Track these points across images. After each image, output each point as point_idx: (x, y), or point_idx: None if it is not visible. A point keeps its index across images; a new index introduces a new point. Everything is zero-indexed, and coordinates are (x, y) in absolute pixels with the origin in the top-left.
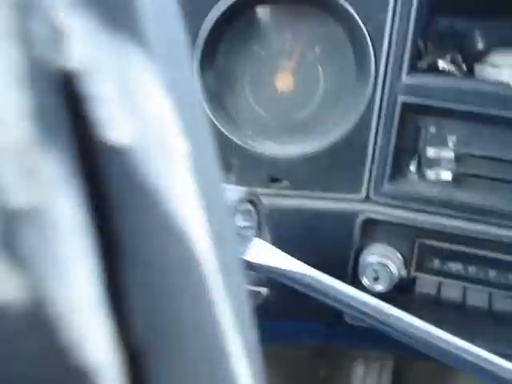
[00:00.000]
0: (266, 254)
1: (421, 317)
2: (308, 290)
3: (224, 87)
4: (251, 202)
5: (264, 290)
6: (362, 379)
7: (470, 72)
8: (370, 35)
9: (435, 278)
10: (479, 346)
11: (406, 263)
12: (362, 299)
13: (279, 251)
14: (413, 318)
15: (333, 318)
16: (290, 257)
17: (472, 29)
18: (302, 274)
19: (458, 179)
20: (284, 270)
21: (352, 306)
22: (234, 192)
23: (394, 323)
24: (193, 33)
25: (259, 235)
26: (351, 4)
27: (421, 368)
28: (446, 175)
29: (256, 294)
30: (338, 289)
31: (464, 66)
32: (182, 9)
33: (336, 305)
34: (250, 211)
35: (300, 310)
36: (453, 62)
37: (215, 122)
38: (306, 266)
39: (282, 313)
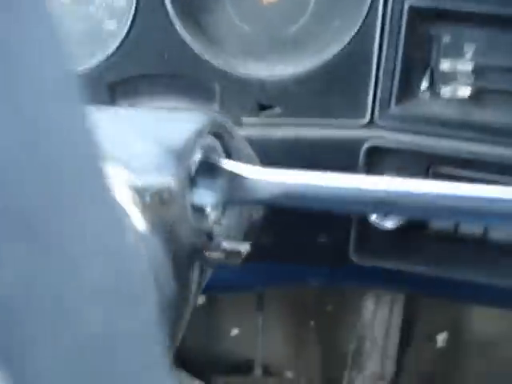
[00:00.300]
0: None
1: (437, 255)
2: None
3: (199, 1)
4: (216, 135)
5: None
6: (372, 313)
7: None
8: None
9: None
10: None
11: None
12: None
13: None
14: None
15: (338, 258)
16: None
17: None
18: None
19: (477, 96)
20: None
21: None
22: (189, 121)
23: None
24: None
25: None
26: None
27: (432, 302)
28: (464, 91)
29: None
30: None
31: None
32: None
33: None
34: (213, 148)
35: (301, 252)
36: None
37: (190, 45)
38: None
39: (281, 256)
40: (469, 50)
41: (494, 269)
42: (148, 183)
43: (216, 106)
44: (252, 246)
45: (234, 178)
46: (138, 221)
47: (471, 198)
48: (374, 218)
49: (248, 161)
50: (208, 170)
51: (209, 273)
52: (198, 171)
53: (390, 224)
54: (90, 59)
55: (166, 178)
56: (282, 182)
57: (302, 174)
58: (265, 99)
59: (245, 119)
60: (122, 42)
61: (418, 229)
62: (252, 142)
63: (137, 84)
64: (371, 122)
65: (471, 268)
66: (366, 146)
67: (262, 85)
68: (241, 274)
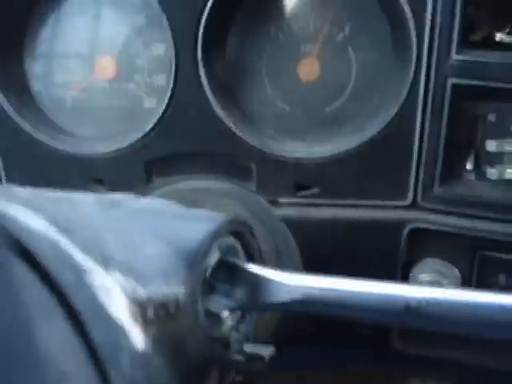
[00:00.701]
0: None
1: (485, 345)
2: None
3: (237, 79)
4: (236, 234)
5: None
6: None
7: None
8: (409, 3)
9: None
10: None
11: (465, 281)
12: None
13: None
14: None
15: (380, 344)
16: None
17: None
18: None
19: None
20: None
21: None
22: (207, 220)
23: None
24: (195, 12)
25: None
26: None
27: None
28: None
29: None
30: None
31: None
32: None
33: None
34: (233, 248)
35: (342, 338)
36: None
37: (226, 123)
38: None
39: (321, 341)
40: None
41: None
42: (152, 294)
43: (253, 185)
44: (292, 329)
45: (252, 281)
46: (138, 339)
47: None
48: None
49: (272, 260)
50: (225, 273)
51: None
52: (213, 274)
53: None
54: (128, 137)
55: (173, 288)
56: (303, 285)
57: (324, 278)
58: (302, 179)
59: (281, 199)
60: (160, 119)
61: None
62: (289, 222)
63: (173, 162)
64: (413, 203)
65: None
66: (408, 228)
67: (299, 165)
68: (280, 355)
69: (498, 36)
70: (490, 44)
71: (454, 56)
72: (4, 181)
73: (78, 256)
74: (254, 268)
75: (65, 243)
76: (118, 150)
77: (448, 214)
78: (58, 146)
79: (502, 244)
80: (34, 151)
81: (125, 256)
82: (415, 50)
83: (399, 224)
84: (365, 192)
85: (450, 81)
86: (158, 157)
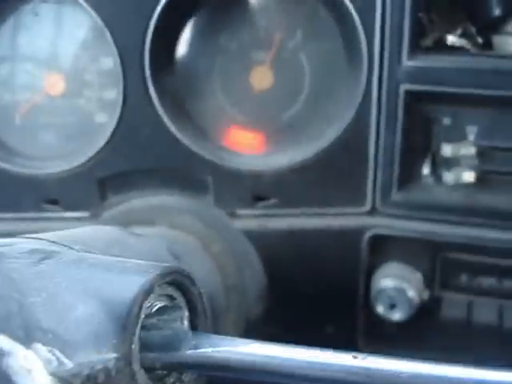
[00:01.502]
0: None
1: (449, 345)
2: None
3: (188, 91)
4: (176, 283)
5: None
6: None
7: (487, 46)
8: (358, 9)
9: (465, 297)
10: None
11: (428, 283)
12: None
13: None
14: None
15: (346, 347)
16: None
17: None
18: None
19: (482, 179)
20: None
21: None
22: (143, 273)
23: None
24: (140, 26)
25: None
26: None
27: None
28: (468, 176)
29: None
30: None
31: (479, 39)
32: None
33: None
34: (172, 298)
35: (308, 340)
36: (465, 35)
37: (178, 136)
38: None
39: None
40: (471, 132)
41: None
42: (79, 366)
43: (210, 198)
44: (258, 335)
45: (180, 338)
46: None
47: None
48: (380, 309)
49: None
50: (160, 328)
51: None
52: (148, 329)
53: (397, 316)
54: (80, 155)
55: (104, 354)
56: (228, 350)
57: (264, 346)
58: (260, 190)
59: (240, 211)
60: (112, 135)
61: (429, 318)
62: (249, 234)
63: (127, 179)
64: (373, 209)
65: (485, 357)
66: (368, 234)
67: (256, 176)
68: None
69: (450, 39)
70: (442, 48)
71: (406, 62)
72: None
73: None
74: (180, 327)
75: None
76: (70, 168)
77: (407, 218)
78: (9, 167)
79: (463, 246)
80: None
81: (52, 321)
82: (366, 56)
83: (359, 231)
84: (324, 200)
85: (403, 87)
86: (112, 174)
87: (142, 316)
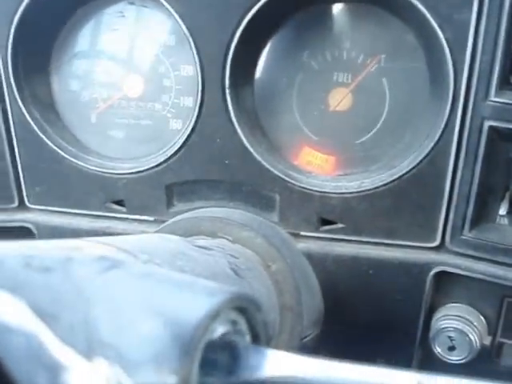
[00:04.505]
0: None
1: None
2: None
3: (265, 106)
4: (240, 309)
5: None
6: None
7: None
8: (448, 41)
9: None
10: None
11: (491, 328)
12: None
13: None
14: None
15: None
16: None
17: None
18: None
19: None
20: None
21: None
22: (209, 295)
23: None
24: (224, 38)
25: None
26: (424, 1)
27: None
28: None
29: None
30: None
31: None
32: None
33: None
34: (235, 323)
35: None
36: None
37: (251, 150)
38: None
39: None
40: None
41: None
42: None
43: (275, 216)
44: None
45: (240, 363)
46: None
47: None
48: (439, 349)
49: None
50: (224, 348)
51: None
52: (209, 353)
53: (455, 358)
54: (151, 159)
55: (164, 376)
56: (288, 367)
57: (322, 363)
58: (327, 214)
59: (304, 232)
60: (184, 143)
61: (487, 362)
62: (310, 256)
63: (195, 187)
64: (441, 245)
65: None
66: (434, 270)
67: (325, 199)
68: None
69: None
70: None
71: (494, 98)
72: (25, 196)
73: (58, 349)
74: (249, 348)
75: (44, 334)
76: (140, 171)
77: (477, 259)
78: (81, 165)
79: None
80: (57, 167)
81: (115, 336)
82: (452, 88)
83: (425, 266)
84: (391, 231)
85: (487, 123)
86: (181, 181)
87: (205, 340)
